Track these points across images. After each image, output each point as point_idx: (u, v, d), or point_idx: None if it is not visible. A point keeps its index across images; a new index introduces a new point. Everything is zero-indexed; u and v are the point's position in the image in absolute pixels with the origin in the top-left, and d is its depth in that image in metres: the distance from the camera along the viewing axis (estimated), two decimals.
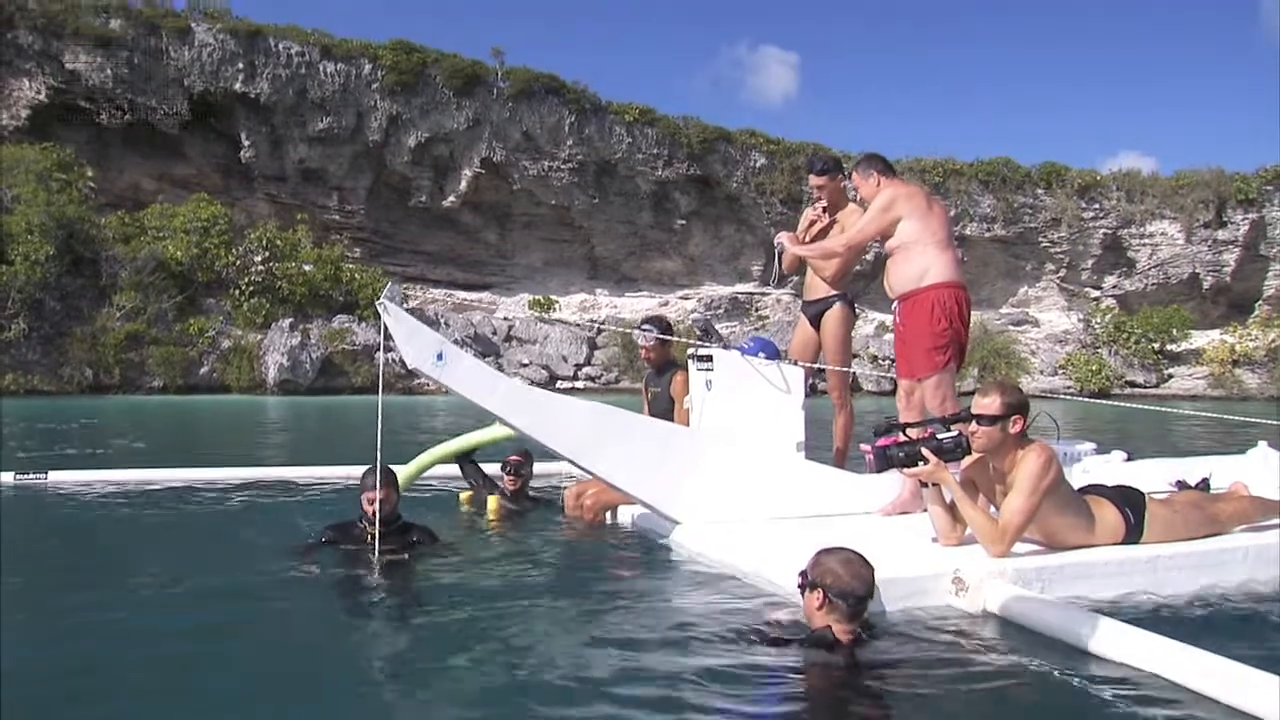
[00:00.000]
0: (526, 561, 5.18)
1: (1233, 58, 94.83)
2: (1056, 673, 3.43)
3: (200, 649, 3.61)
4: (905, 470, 4.60)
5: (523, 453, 6.80)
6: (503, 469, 6.82)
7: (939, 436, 4.56)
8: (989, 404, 4.44)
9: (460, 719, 3.00)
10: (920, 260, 5.65)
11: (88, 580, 4.65)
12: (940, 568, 4.29)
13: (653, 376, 6.87)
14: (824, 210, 6.58)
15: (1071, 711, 3.16)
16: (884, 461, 4.62)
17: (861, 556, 3.58)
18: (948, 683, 3.34)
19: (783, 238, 6.48)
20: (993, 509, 4.62)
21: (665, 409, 6.51)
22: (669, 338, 6.75)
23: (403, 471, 6.34)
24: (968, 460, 4.58)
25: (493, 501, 6.40)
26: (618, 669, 3.37)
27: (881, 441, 4.65)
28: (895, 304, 5.82)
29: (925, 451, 4.49)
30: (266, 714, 3.04)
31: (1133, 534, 4.63)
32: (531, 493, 6.85)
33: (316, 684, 3.26)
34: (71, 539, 5.78)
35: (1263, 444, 6.67)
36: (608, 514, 6.14)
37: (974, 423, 4.45)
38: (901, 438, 4.62)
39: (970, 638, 3.86)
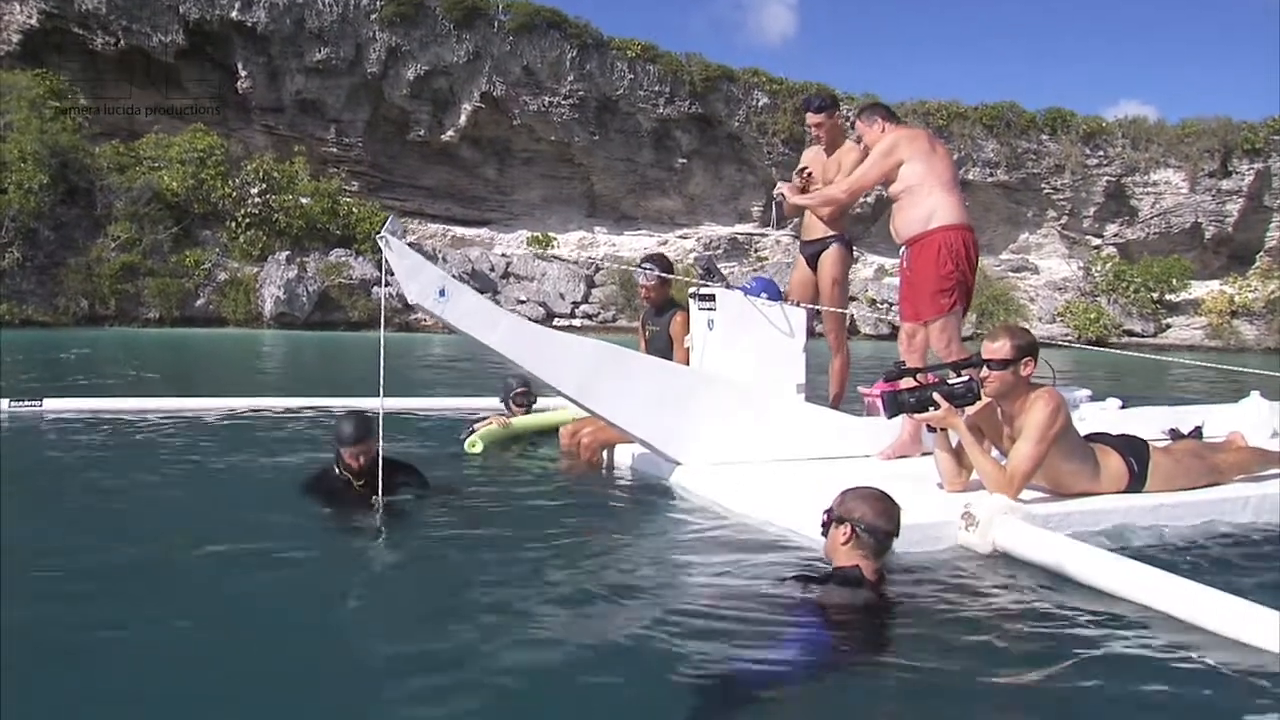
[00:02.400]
0: (527, 504, 5.17)
1: (1234, 5, 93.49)
2: (1069, 610, 3.47)
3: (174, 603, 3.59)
4: (916, 415, 4.60)
5: (525, 384, 6.83)
6: (512, 400, 6.86)
7: (949, 381, 4.56)
8: (999, 348, 4.44)
9: (469, 678, 2.90)
10: (926, 203, 5.60)
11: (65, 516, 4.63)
12: (952, 512, 4.31)
13: (651, 315, 6.83)
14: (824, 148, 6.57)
15: (1083, 645, 3.19)
16: (895, 407, 4.62)
17: (887, 494, 3.57)
18: (967, 620, 3.39)
19: (783, 188, 6.44)
20: (996, 453, 4.63)
21: (663, 348, 6.49)
22: (670, 276, 6.71)
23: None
24: (975, 406, 4.57)
25: (496, 425, 6.51)
26: (630, 611, 3.37)
27: (892, 386, 4.64)
28: (902, 248, 5.77)
29: (936, 396, 4.48)
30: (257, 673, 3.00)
31: (1136, 482, 4.67)
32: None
33: (309, 639, 3.22)
34: (63, 470, 5.76)
35: (1255, 394, 6.75)
36: (604, 453, 6.14)
37: (985, 367, 4.44)
38: (912, 382, 4.61)
39: (984, 576, 3.89)
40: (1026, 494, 4.46)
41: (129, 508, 4.88)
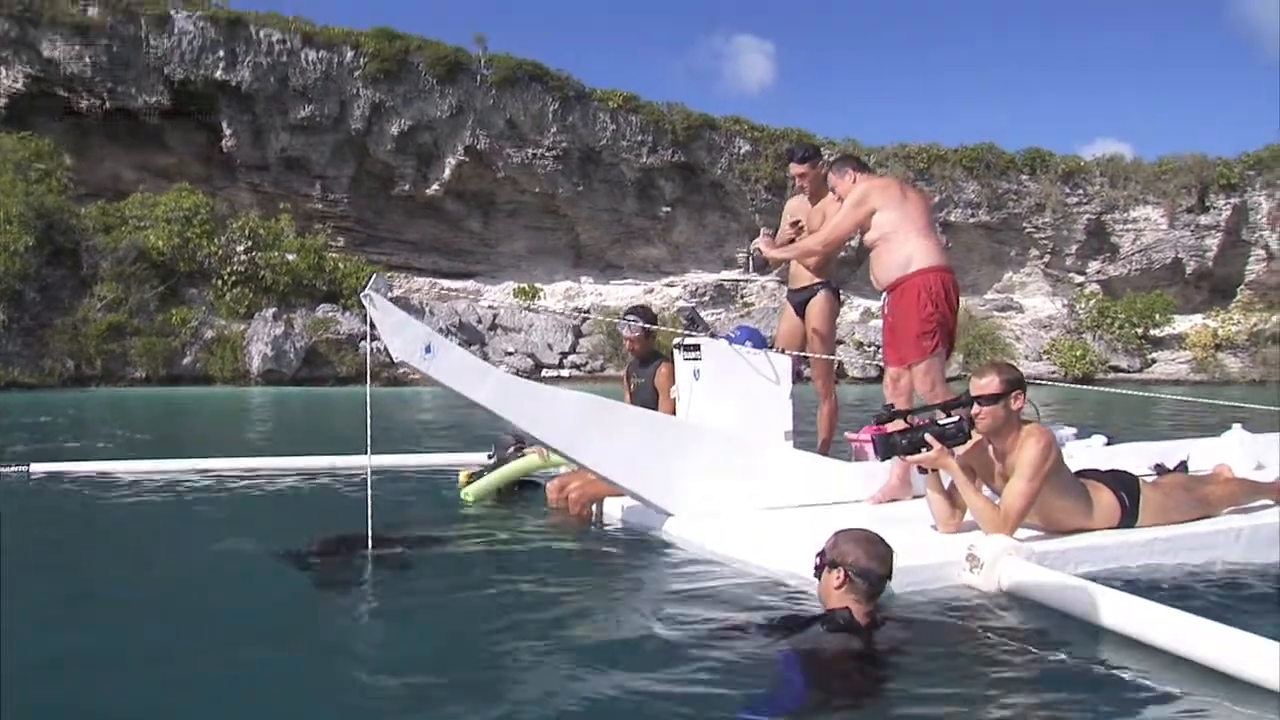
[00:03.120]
0: (516, 559, 5.16)
1: (1201, 44, 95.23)
2: (1073, 649, 3.46)
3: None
4: (908, 457, 4.61)
5: (519, 441, 6.79)
6: (514, 450, 6.82)
7: (940, 422, 4.57)
8: (988, 384, 4.46)
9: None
10: (902, 249, 5.66)
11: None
12: (950, 552, 4.30)
13: (635, 367, 6.85)
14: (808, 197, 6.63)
15: (1087, 686, 3.17)
16: (887, 449, 4.63)
17: (880, 536, 3.57)
18: (965, 661, 3.37)
19: (759, 242, 6.49)
20: (987, 491, 4.64)
21: (649, 399, 6.48)
22: (654, 327, 6.73)
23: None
24: (966, 445, 4.58)
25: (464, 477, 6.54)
26: (628, 661, 3.35)
27: (884, 429, 4.65)
28: (884, 295, 5.83)
29: (928, 438, 4.49)
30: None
31: (1128, 517, 4.69)
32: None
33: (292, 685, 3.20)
34: (53, 533, 5.71)
35: (1237, 427, 6.81)
36: (593, 506, 6.12)
37: (975, 405, 4.46)
38: (903, 425, 4.63)
39: (984, 616, 3.88)
40: (1021, 532, 4.46)
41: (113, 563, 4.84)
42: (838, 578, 3.44)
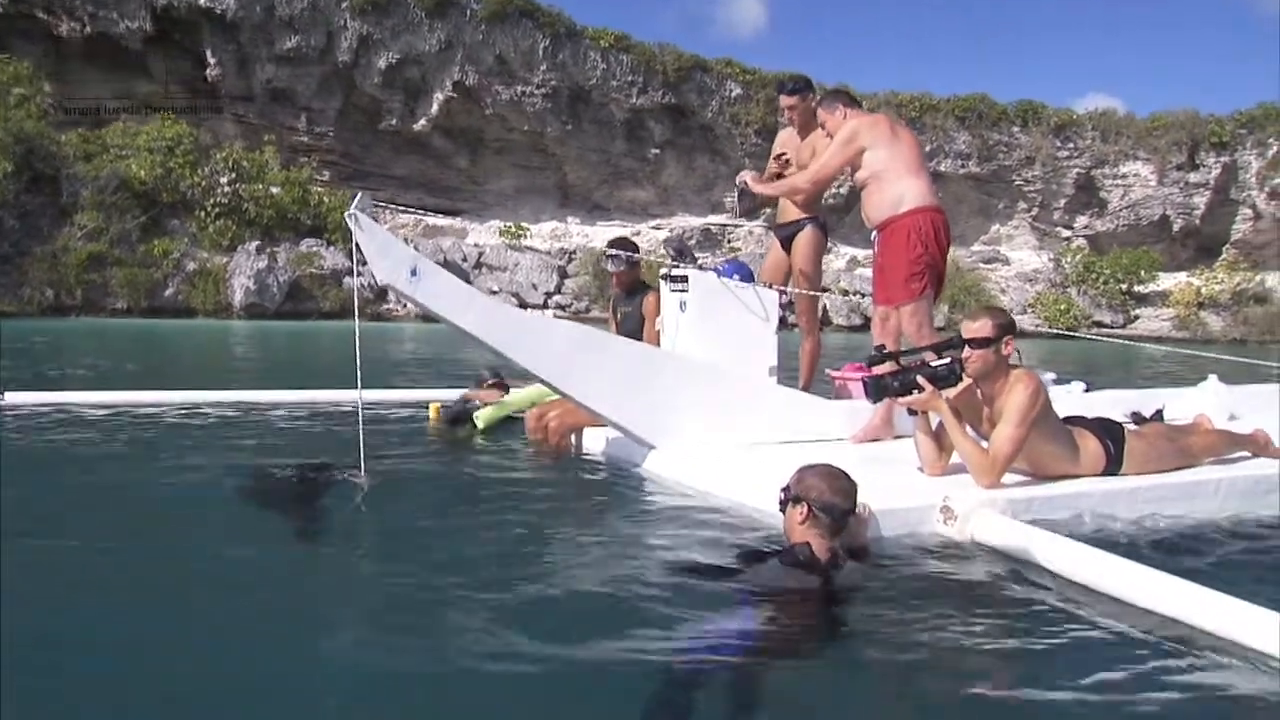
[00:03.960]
0: (489, 488, 5.14)
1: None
2: (1040, 602, 3.45)
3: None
4: (900, 399, 4.60)
5: (496, 374, 6.79)
6: (489, 384, 6.80)
7: (932, 364, 4.56)
8: (980, 327, 4.45)
9: (428, 663, 2.85)
10: (893, 188, 5.60)
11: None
12: (931, 497, 4.30)
13: (621, 299, 6.80)
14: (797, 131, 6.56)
15: (1049, 637, 3.16)
16: (879, 391, 4.62)
17: (844, 471, 3.57)
18: (925, 605, 3.35)
19: (745, 176, 6.39)
20: (974, 435, 4.64)
21: (634, 329, 6.47)
22: (638, 257, 6.69)
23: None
24: (956, 388, 4.57)
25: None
26: (580, 598, 3.33)
27: (875, 370, 4.63)
28: (874, 234, 5.78)
29: (920, 379, 4.48)
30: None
31: (1113, 465, 4.71)
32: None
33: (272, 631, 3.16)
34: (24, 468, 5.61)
35: (1212, 377, 6.86)
36: (572, 437, 6.11)
37: (966, 347, 4.45)
38: (894, 366, 4.61)
39: (954, 564, 3.87)
40: (1006, 477, 4.47)
41: (87, 501, 4.79)
42: (801, 512, 3.44)
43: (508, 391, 6.90)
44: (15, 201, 23.95)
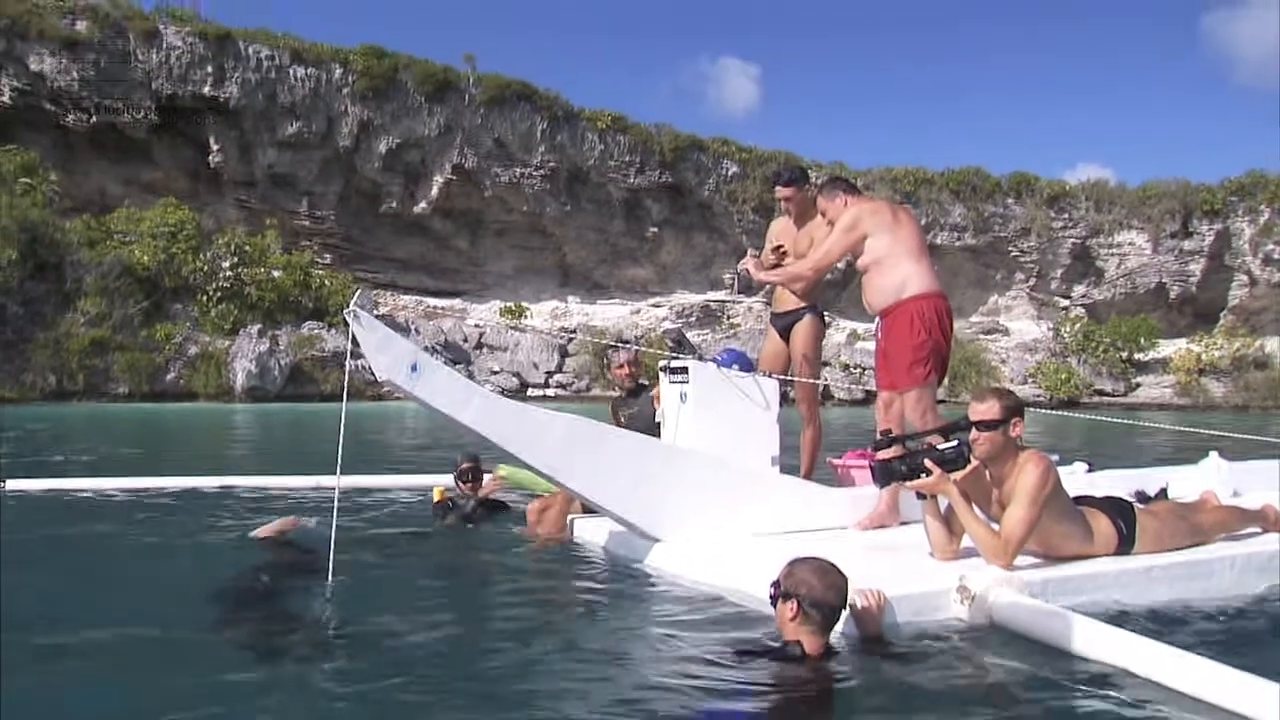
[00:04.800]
0: (499, 583, 5.09)
1: (1175, 72, 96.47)
2: (1061, 684, 3.40)
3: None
4: (908, 483, 4.56)
5: (473, 459, 6.69)
6: (459, 480, 6.69)
7: (939, 447, 4.53)
8: (987, 409, 4.42)
9: None
10: (895, 274, 5.61)
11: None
12: (945, 581, 4.25)
13: (623, 400, 6.79)
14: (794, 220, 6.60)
15: (1067, 715, 3.12)
16: (887, 475, 4.59)
17: (835, 566, 3.51)
18: (924, 696, 3.30)
19: (747, 264, 6.40)
20: (981, 515, 4.60)
21: (645, 427, 6.38)
22: (645, 349, 6.70)
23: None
24: (964, 471, 4.54)
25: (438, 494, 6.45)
26: (573, 689, 3.29)
27: (883, 455, 4.60)
28: (877, 320, 5.79)
29: (928, 463, 4.45)
30: None
31: (1125, 544, 4.66)
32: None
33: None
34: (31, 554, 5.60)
35: (1214, 454, 6.85)
36: (568, 521, 6.07)
37: (974, 430, 4.43)
38: (900, 450, 4.59)
39: (961, 649, 3.81)
40: (1019, 559, 4.43)
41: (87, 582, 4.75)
42: (792, 609, 3.38)
43: (480, 478, 6.76)
44: (19, 288, 24.12)
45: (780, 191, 6.58)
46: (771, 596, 3.47)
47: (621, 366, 6.73)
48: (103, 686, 3.35)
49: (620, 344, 6.90)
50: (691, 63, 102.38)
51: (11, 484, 7.49)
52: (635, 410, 6.59)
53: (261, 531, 5.42)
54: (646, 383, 6.69)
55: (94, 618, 4.09)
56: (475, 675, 3.44)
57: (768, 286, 6.90)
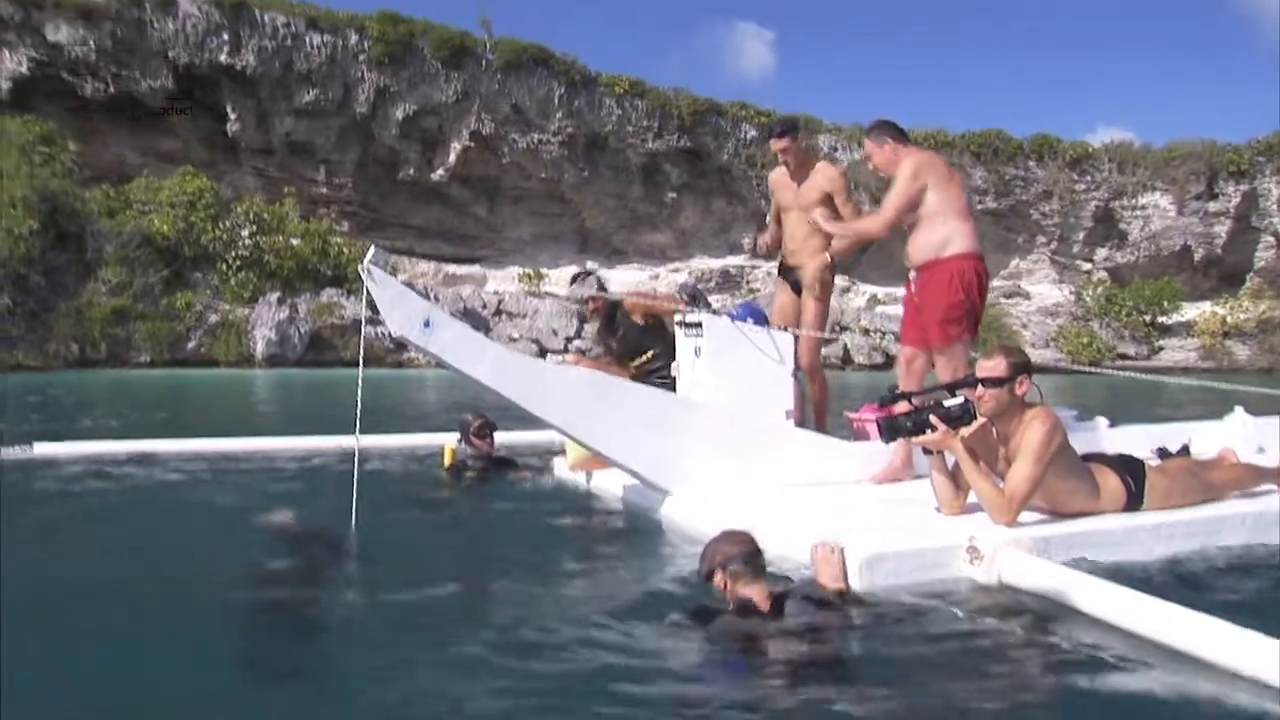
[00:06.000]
0: (511, 533, 5.12)
1: (1203, 33, 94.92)
2: (1066, 643, 3.39)
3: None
4: (914, 439, 4.55)
5: (483, 416, 6.72)
6: (473, 434, 6.70)
7: (945, 403, 4.51)
8: (994, 366, 4.41)
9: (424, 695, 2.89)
10: (941, 230, 5.58)
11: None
12: (955, 538, 4.24)
13: (607, 329, 6.87)
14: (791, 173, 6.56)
15: (1075, 677, 3.10)
16: (892, 431, 4.57)
17: (732, 530, 3.66)
18: (947, 647, 3.30)
19: (818, 214, 6.28)
20: (988, 472, 4.58)
21: (637, 335, 6.50)
22: (609, 295, 6.77)
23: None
24: (971, 428, 4.51)
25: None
26: (549, 650, 3.31)
27: (888, 410, 4.58)
28: (912, 273, 5.75)
29: (933, 419, 4.43)
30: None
31: (1134, 501, 4.63)
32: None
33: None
34: (63, 515, 5.65)
35: (1239, 409, 6.77)
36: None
37: (980, 386, 4.40)
38: (908, 406, 4.56)
39: (960, 603, 3.80)
40: (1026, 516, 4.41)
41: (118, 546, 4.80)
42: (720, 578, 3.48)
43: (492, 435, 6.77)
44: (41, 259, 24.25)
45: (775, 144, 6.53)
46: (705, 580, 3.54)
47: (588, 303, 6.76)
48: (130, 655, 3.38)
49: (583, 274, 7.00)
50: (707, 28, 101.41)
51: (40, 447, 7.55)
52: (620, 333, 6.63)
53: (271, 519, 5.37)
54: (619, 302, 6.75)
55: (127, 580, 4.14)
56: (483, 623, 3.47)
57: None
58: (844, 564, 3.75)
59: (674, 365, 6.10)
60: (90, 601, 3.81)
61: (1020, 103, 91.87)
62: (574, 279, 6.93)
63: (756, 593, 3.39)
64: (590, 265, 32.59)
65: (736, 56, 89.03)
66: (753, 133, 35.38)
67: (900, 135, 5.82)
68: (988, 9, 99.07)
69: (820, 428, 6.42)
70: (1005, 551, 4.05)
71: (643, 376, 6.46)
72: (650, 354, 6.60)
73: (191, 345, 25.66)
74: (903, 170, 5.61)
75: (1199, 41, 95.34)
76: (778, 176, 6.73)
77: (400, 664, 3.11)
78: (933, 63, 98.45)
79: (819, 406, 6.60)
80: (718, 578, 3.48)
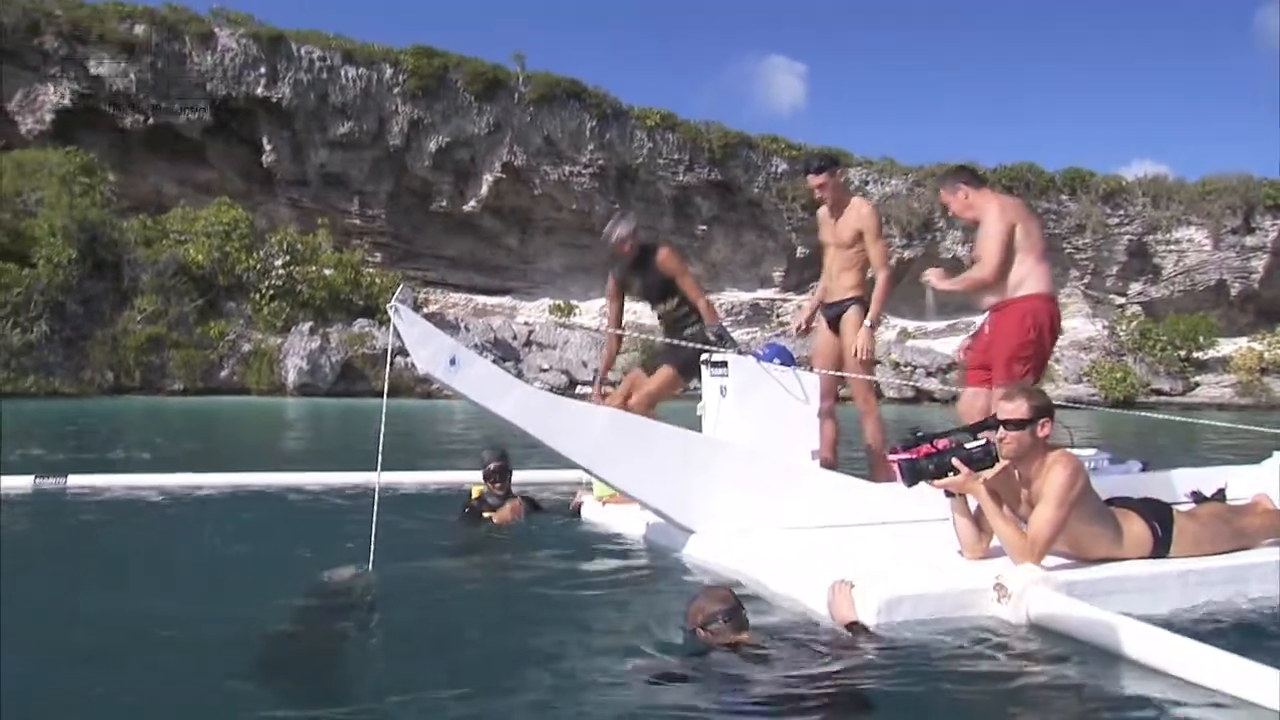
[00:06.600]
0: (532, 576, 5.09)
1: (1235, 63, 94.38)
2: (1093, 682, 3.34)
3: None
4: (935, 482, 4.50)
5: (502, 457, 6.51)
6: (494, 468, 6.51)
7: (967, 445, 4.45)
8: (1015, 408, 4.34)
9: None
10: (1019, 270, 5.67)
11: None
12: (981, 580, 4.18)
13: (625, 270, 6.80)
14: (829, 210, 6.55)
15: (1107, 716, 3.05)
16: (914, 474, 4.51)
17: (713, 587, 3.75)
18: (972, 687, 3.26)
19: (930, 275, 6.23)
20: (1010, 515, 4.52)
21: (657, 286, 6.55)
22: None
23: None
24: (993, 470, 4.46)
25: (506, 511, 6.24)
26: (611, 682, 3.30)
27: (910, 453, 4.53)
28: (987, 313, 5.79)
29: (955, 461, 4.38)
30: None
31: (1160, 547, 4.53)
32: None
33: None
34: (90, 549, 5.67)
35: (1277, 454, 6.59)
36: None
37: (1001, 428, 4.35)
38: (929, 448, 4.51)
39: (990, 646, 3.75)
40: (1048, 560, 4.34)
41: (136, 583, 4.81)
42: (706, 636, 3.48)
43: (509, 476, 6.60)
44: (79, 287, 24.63)
45: (811, 181, 6.53)
46: (695, 638, 3.54)
47: (623, 242, 6.65)
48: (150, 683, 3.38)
49: (620, 213, 6.97)
50: (738, 61, 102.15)
51: (75, 479, 7.54)
52: (640, 276, 6.61)
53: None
54: (655, 247, 6.68)
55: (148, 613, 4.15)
56: (497, 656, 3.47)
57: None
58: (852, 598, 3.74)
59: (706, 327, 6.15)
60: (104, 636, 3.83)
61: (1053, 136, 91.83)
62: (611, 219, 6.89)
63: (742, 643, 3.43)
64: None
65: (767, 89, 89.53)
66: (784, 166, 35.47)
67: (974, 179, 5.90)
68: (1020, 43, 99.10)
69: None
70: (1034, 590, 3.99)
71: (673, 325, 6.46)
72: (677, 300, 6.55)
73: (224, 373, 25.92)
74: (989, 213, 5.70)
75: (1234, 74, 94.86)
76: (822, 213, 6.76)
77: (414, 704, 3.10)
78: (965, 96, 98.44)
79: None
80: (706, 636, 3.50)
